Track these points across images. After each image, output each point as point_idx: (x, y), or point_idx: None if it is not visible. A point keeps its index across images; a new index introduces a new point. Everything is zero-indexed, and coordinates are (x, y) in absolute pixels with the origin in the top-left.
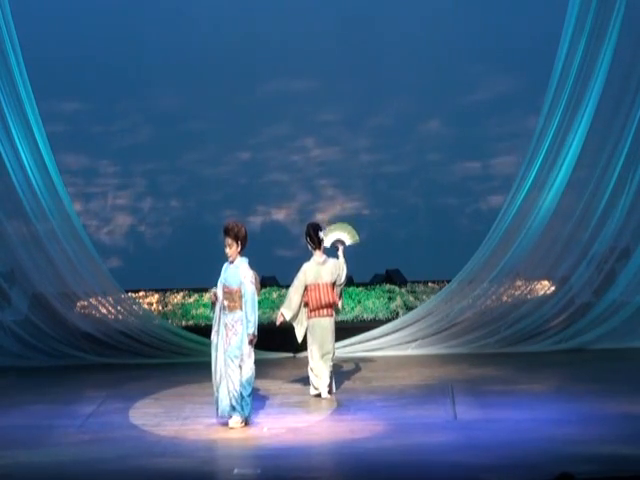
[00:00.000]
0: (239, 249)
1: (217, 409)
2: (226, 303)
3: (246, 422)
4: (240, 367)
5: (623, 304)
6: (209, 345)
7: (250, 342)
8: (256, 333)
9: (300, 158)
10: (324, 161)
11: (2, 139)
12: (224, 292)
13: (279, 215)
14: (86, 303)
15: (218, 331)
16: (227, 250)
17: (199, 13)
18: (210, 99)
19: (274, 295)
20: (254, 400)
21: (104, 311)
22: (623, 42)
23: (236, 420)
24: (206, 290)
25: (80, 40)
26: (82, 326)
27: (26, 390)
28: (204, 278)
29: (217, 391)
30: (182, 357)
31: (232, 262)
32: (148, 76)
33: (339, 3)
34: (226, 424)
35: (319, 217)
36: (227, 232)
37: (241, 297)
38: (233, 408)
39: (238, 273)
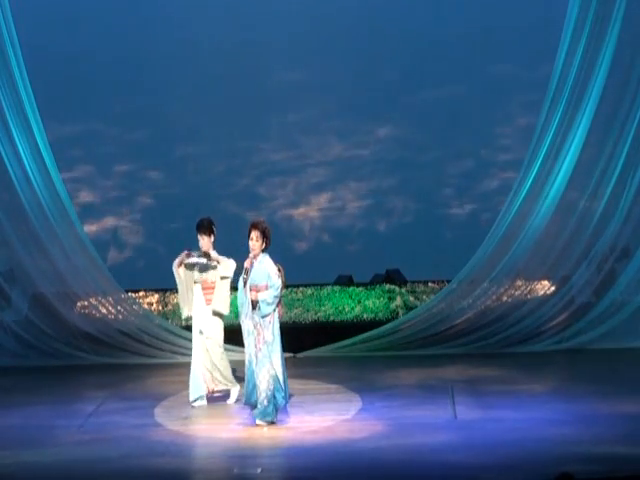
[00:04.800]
0: (263, 245)
1: (246, 398)
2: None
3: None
4: (271, 362)
5: (623, 304)
6: None
7: (252, 299)
8: (259, 300)
9: (300, 157)
10: (323, 160)
11: (2, 139)
12: (251, 292)
13: (279, 215)
14: (86, 303)
15: (248, 332)
16: (252, 243)
17: (198, 11)
18: (211, 97)
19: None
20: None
21: (104, 311)
22: (623, 42)
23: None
24: None
25: (80, 39)
26: (82, 326)
27: (26, 390)
28: None
29: (249, 380)
30: (182, 357)
31: (255, 257)
32: (150, 73)
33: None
34: (228, 423)
35: (318, 216)
36: (255, 226)
37: (267, 290)
38: (264, 408)
39: (263, 269)
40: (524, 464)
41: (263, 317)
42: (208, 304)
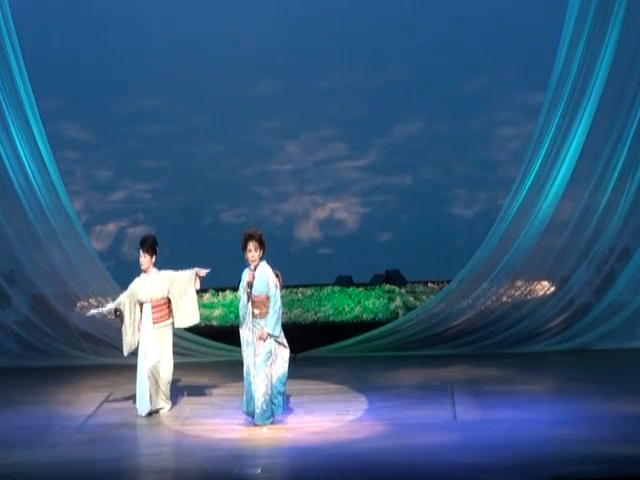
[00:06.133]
0: (261, 254)
1: (245, 406)
2: (256, 311)
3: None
4: (271, 367)
5: (623, 304)
6: (208, 345)
7: (260, 337)
8: (271, 333)
9: (297, 158)
10: (323, 160)
11: (2, 139)
12: (253, 301)
13: (280, 215)
14: (86, 303)
15: (247, 343)
16: (252, 255)
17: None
18: (209, 98)
19: None
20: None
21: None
22: (623, 42)
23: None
24: (206, 291)
25: (81, 38)
26: (82, 326)
27: (26, 390)
28: (203, 279)
29: (247, 391)
30: (181, 357)
31: (255, 268)
32: (151, 74)
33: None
34: (227, 423)
35: (317, 216)
36: (252, 236)
37: (269, 300)
38: (262, 412)
39: (264, 278)
40: (524, 464)
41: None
42: (157, 322)
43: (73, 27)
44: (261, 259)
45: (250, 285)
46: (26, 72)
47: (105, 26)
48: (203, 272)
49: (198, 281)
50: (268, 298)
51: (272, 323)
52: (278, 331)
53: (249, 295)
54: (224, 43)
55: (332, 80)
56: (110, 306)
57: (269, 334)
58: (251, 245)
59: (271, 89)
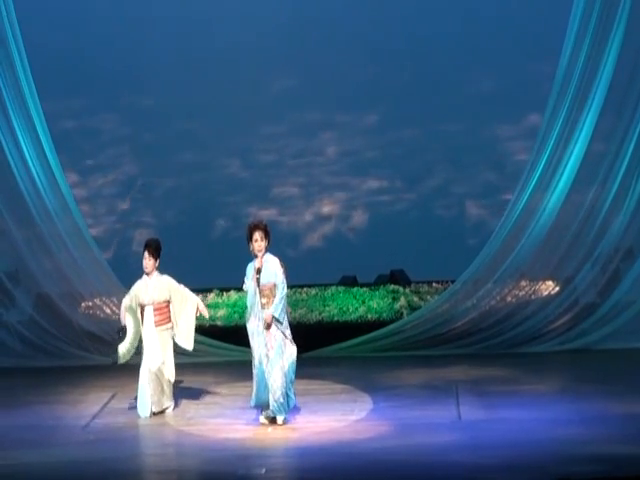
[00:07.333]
0: (267, 244)
1: (255, 400)
2: (264, 301)
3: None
4: (282, 358)
5: (628, 304)
6: (213, 345)
7: (265, 321)
8: (276, 317)
9: (304, 157)
10: (327, 160)
11: (6, 139)
12: (261, 290)
13: (283, 215)
14: (90, 303)
15: (258, 332)
16: (258, 244)
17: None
18: (214, 99)
19: None
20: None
21: (108, 311)
22: (627, 42)
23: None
24: (210, 291)
25: (83, 37)
26: (86, 326)
27: (31, 390)
28: (205, 279)
29: (259, 381)
30: (186, 357)
31: (261, 257)
32: (152, 76)
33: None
34: (232, 423)
35: (322, 216)
36: (257, 226)
37: (275, 288)
38: (280, 405)
39: (271, 268)
40: (529, 464)
41: (283, 322)
42: (158, 325)
43: (76, 26)
44: (266, 249)
45: (259, 271)
46: (30, 71)
47: (110, 25)
48: (203, 310)
49: (197, 311)
50: (275, 286)
51: (278, 308)
52: (282, 316)
53: (258, 281)
54: (226, 44)
55: (335, 81)
56: (124, 316)
57: (273, 316)
58: (257, 235)
59: (276, 91)
